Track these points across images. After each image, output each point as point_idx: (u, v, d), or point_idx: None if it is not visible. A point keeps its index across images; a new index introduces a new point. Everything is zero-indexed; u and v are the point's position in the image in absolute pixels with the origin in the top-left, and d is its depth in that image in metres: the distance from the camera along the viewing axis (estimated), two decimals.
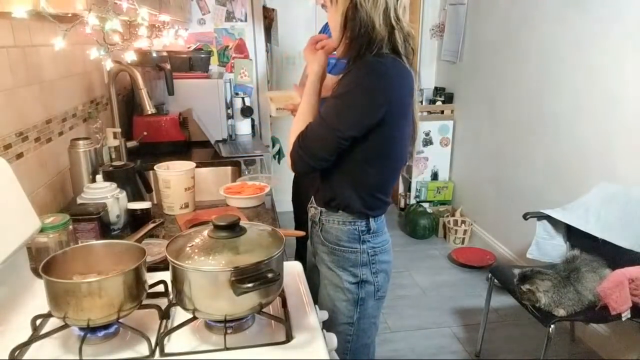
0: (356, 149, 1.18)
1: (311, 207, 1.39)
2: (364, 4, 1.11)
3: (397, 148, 1.23)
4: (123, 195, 1.47)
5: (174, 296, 0.96)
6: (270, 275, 0.89)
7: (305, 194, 2.61)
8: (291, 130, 1.24)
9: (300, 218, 2.79)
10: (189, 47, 3.15)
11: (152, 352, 0.89)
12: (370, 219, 1.28)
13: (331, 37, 1.25)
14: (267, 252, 0.93)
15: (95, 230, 1.32)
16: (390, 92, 1.14)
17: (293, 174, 1.27)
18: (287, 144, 1.24)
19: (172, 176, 1.61)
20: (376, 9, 1.12)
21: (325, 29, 2.46)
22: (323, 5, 1.24)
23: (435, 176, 3.96)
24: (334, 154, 1.17)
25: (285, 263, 1.06)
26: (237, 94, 3.02)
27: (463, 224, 3.57)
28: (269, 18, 3.51)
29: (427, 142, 3.84)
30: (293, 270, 1.23)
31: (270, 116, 3.48)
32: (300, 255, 2.66)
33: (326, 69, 1.30)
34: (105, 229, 1.37)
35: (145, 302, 0.98)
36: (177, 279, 0.93)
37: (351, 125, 1.14)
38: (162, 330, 0.95)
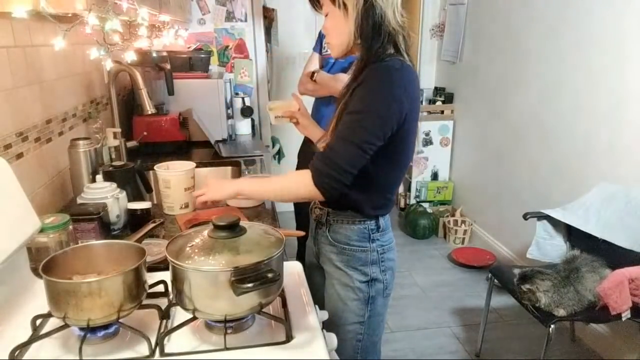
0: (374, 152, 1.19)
1: (315, 207, 1.39)
2: (379, 0, 1.12)
3: (408, 149, 1.24)
4: (123, 195, 1.47)
5: (174, 296, 0.96)
6: (270, 275, 0.89)
7: None
8: (294, 191, 1.22)
9: (301, 218, 2.78)
10: (189, 47, 3.15)
11: (152, 352, 0.89)
12: (379, 218, 1.28)
13: (326, 41, 1.25)
14: (267, 252, 0.93)
15: (95, 230, 1.32)
16: (407, 99, 1.14)
17: None
18: (302, 195, 1.19)
19: (172, 176, 1.61)
20: (388, 4, 1.13)
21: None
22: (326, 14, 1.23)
23: (435, 176, 3.96)
24: (361, 166, 1.16)
25: (285, 263, 1.06)
26: (237, 94, 3.03)
27: (463, 224, 3.57)
28: (269, 18, 3.51)
29: (427, 142, 3.84)
30: (293, 270, 1.23)
31: (271, 124, 3.50)
32: (301, 255, 2.64)
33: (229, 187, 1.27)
34: (105, 229, 1.37)
35: (145, 302, 0.98)
36: (177, 279, 0.92)
37: (378, 135, 1.13)
38: (162, 330, 0.95)
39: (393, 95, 1.12)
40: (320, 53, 2.52)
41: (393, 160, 1.22)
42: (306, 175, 1.16)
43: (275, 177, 1.24)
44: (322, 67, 2.50)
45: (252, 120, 2.99)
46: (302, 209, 2.64)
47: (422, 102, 3.99)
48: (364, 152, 1.13)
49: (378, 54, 1.15)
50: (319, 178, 1.14)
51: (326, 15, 1.22)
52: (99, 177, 1.50)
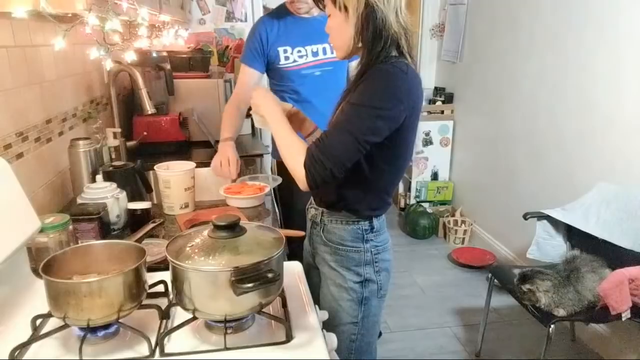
0: (371, 153, 1.18)
1: (311, 207, 1.39)
2: (379, 4, 1.11)
3: (406, 152, 1.24)
4: (123, 195, 1.47)
5: (174, 296, 0.96)
6: (270, 275, 0.89)
7: (288, 191, 2.55)
8: (286, 154, 1.19)
9: (289, 216, 2.71)
10: (189, 47, 3.16)
11: (152, 352, 0.89)
12: (374, 219, 1.28)
13: (329, 41, 1.25)
14: (267, 252, 0.93)
15: (95, 230, 1.32)
16: (410, 100, 1.14)
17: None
18: (289, 164, 1.17)
19: (172, 176, 1.61)
20: (390, 8, 1.12)
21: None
22: (329, 15, 1.22)
23: (435, 176, 3.96)
24: (354, 161, 1.14)
25: (285, 263, 1.07)
26: None
27: (463, 224, 3.57)
28: None
29: (427, 142, 3.84)
30: (293, 270, 1.23)
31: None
32: (295, 254, 2.58)
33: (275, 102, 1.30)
34: (105, 229, 1.37)
35: (145, 302, 0.98)
36: (177, 279, 0.92)
37: (375, 132, 1.12)
38: (162, 330, 0.95)
39: (396, 96, 1.12)
40: None
41: (390, 163, 1.22)
42: (304, 152, 1.14)
43: (287, 133, 1.21)
44: None
45: (252, 120, 2.99)
46: (294, 208, 2.59)
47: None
48: (360, 145, 1.12)
49: (381, 57, 1.14)
50: (311, 162, 1.12)
51: (329, 16, 1.22)
52: (99, 177, 1.50)
